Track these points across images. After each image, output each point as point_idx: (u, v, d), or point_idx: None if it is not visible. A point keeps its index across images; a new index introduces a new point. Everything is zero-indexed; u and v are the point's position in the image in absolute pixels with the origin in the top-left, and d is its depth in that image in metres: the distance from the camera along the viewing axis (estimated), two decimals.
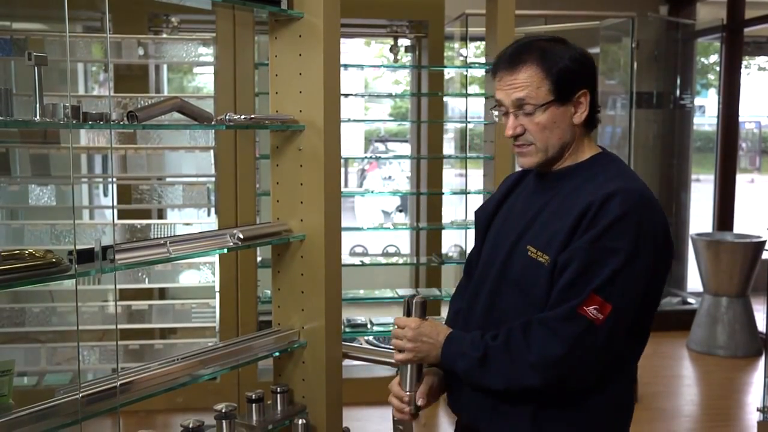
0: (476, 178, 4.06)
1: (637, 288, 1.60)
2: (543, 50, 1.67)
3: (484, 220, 1.87)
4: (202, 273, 4.19)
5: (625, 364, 1.70)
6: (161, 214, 4.88)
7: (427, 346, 1.72)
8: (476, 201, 3.90)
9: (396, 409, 1.80)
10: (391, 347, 1.81)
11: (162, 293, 4.72)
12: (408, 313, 1.76)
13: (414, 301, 1.75)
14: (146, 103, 3.68)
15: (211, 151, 4.11)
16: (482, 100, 3.90)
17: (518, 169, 1.86)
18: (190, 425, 1.84)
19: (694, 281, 6.47)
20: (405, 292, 4.15)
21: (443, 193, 4.80)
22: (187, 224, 4.57)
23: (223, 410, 1.91)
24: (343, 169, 2.67)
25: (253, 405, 2.04)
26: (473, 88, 5.36)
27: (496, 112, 1.74)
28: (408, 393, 1.76)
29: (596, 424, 1.69)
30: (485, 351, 1.63)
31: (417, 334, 1.72)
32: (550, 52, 1.67)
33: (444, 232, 4.80)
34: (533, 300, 1.65)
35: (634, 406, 1.79)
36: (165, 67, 5.24)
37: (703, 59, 8.67)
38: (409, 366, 1.75)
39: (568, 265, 1.59)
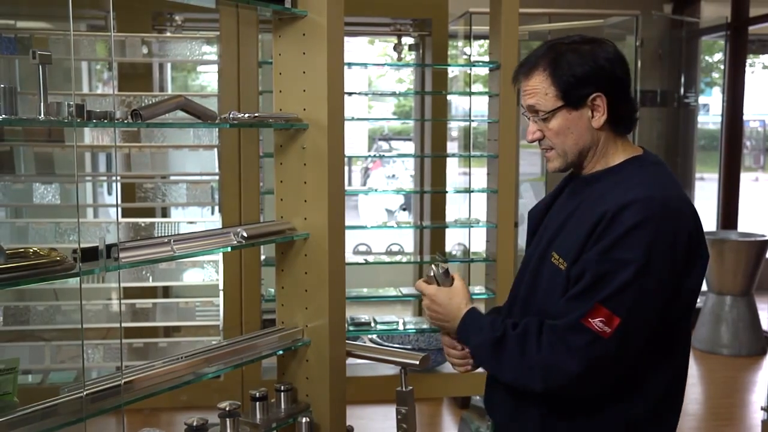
0: (480, 176, 4.05)
1: (650, 301, 1.54)
2: (557, 54, 1.66)
3: (534, 221, 1.86)
4: (206, 271, 4.19)
5: (644, 383, 1.63)
6: (165, 213, 4.89)
7: (443, 316, 1.76)
8: (480, 199, 3.89)
9: (453, 357, 1.83)
10: (395, 346, 1.84)
11: (166, 291, 4.73)
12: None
13: (436, 271, 1.78)
14: (150, 102, 3.68)
15: (215, 149, 4.12)
16: (486, 98, 3.89)
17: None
18: (194, 423, 1.84)
19: None
20: (409, 290, 4.14)
21: (447, 192, 4.79)
22: (191, 222, 4.58)
23: (227, 408, 1.91)
24: (346, 168, 2.67)
25: (257, 403, 2.04)
26: (477, 87, 5.37)
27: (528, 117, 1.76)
28: (463, 349, 1.80)
29: None
30: (503, 335, 1.63)
31: (430, 302, 1.77)
32: (563, 56, 1.65)
33: (448, 231, 4.79)
34: (555, 308, 1.62)
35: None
36: (169, 65, 5.24)
37: (707, 57, 8.66)
38: None
39: (580, 276, 1.56)
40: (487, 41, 3.90)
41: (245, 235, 1.95)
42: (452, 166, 5.68)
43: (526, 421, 1.71)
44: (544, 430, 1.68)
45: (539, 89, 1.66)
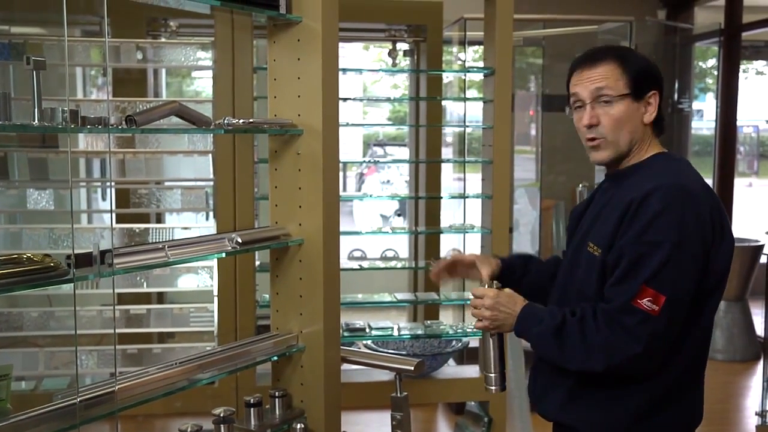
0: (475, 182, 4.05)
1: (688, 276, 1.67)
2: (621, 51, 1.83)
3: (574, 220, 1.99)
4: (200, 277, 4.18)
5: (673, 355, 1.75)
6: (159, 219, 4.87)
7: (504, 315, 1.84)
8: (475, 205, 3.89)
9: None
10: (390, 352, 1.86)
11: (160, 297, 4.72)
12: None
13: (490, 285, 1.91)
14: (145, 108, 3.67)
15: (210, 155, 4.11)
16: (480, 104, 3.89)
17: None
18: (189, 430, 1.83)
19: None
20: (404, 296, 4.14)
21: (442, 197, 4.79)
22: (186, 228, 4.56)
23: (222, 415, 1.90)
24: (341, 173, 2.67)
25: (252, 409, 2.04)
26: (471, 93, 5.37)
27: (568, 109, 1.87)
28: (492, 374, 1.90)
29: (635, 412, 1.77)
30: (563, 321, 1.72)
31: (494, 303, 1.84)
32: (628, 53, 1.83)
33: (442, 236, 4.79)
34: (591, 290, 1.76)
35: (675, 408, 1.84)
36: (163, 71, 5.23)
37: (701, 63, 8.68)
38: (491, 347, 1.90)
39: (618, 262, 1.69)
40: (482, 47, 3.91)
41: (240, 240, 1.95)
42: (447, 171, 5.68)
43: (555, 393, 1.84)
44: (569, 401, 1.82)
45: (610, 75, 1.77)
